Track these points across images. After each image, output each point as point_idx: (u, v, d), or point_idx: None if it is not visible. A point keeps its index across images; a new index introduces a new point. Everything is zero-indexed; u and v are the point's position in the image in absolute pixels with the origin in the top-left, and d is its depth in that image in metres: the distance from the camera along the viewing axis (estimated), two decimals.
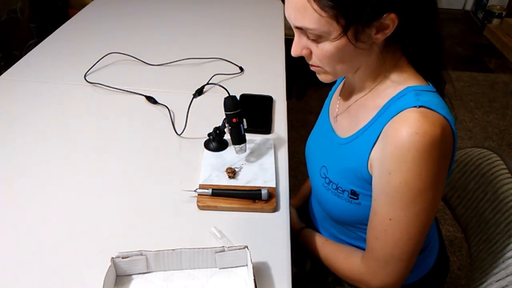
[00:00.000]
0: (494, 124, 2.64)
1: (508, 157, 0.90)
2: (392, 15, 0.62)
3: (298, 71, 2.55)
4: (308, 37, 0.67)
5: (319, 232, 0.97)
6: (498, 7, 3.87)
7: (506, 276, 0.78)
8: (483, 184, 0.92)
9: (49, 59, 1.42)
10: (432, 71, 0.74)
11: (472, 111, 2.76)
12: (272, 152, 1.02)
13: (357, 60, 0.71)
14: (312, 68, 0.74)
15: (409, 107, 0.66)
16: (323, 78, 0.75)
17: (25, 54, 1.43)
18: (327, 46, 0.66)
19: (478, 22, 4.11)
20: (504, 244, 0.82)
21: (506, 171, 0.88)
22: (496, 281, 0.80)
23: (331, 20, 0.62)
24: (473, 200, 0.95)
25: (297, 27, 0.67)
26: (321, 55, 0.68)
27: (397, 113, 0.67)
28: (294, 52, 0.70)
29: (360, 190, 0.76)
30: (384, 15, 0.62)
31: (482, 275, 0.85)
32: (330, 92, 0.95)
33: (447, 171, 0.69)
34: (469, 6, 4.39)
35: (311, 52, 0.70)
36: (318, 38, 0.66)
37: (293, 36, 0.70)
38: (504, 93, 2.98)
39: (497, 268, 0.81)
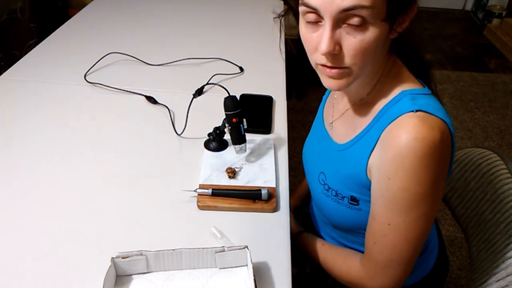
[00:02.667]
0: (494, 124, 2.64)
1: (508, 157, 0.90)
2: (415, 7, 0.62)
3: (298, 71, 2.55)
4: (349, 26, 0.60)
5: (319, 235, 0.97)
6: (498, 7, 3.87)
7: (506, 276, 0.78)
8: (483, 184, 0.92)
9: (49, 59, 1.42)
10: (424, 72, 0.74)
11: (472, 111, 2.76)
12: (272, 152, 1.02)
13: (377, 58, 0.67)
14: (331, 73, 0.66)
15: (406, 112, 0.65)
16: (339, 83, 0.68)
17: (25, 54, 1.43)
18: (369, 35, 0.60)
19: (478, 22, 4.10)
20: (504, 244, 0.82)
21: (506, 171, 0.88)
22: (496, 281, 0.80)
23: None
24: (473, 200, 0.95)
25: (342, 11, 0.59)
26: (359, 47, 0.62)
27: (395, 118, 0.66)
28: (328, 48, 0.61)
29: (360, 196, 0.76)
30: (414, 4, 0.62)
31: (482, 275, 0.85)
32: (323, 98, 0.95)
33: (446, 175, 0.69)
34: (469, 6, 4.39)
35: (340, 49, 0.63)
36: (362, 24, 0.60)
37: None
38: (504, 93, 2.98)
39: (497, 268, 0.81)
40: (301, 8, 0.63)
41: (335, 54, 0.63)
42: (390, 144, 0.66)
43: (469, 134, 2.54)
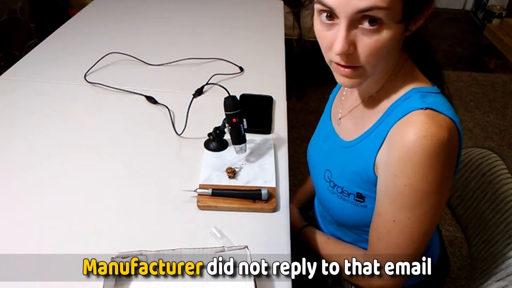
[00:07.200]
0: (494, 124, 2.64)
1: (508, 157, 0.90)
2: (432, 5, 0.62)
3: (298, 71, 2.55)
4: (364, 27, 0.60)
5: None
6: (498, 7, 3.87)
7: (506, 276, 0.78)
8: (483, 184, 0.92)
9: (49, 59, 1.41)
10: (435, 71, 0.74)
11: (472, 111, 2.76)
12: (272, 152, 1.02)
13: (390, 56, 0.68)
14: (345, 72, 0.66)
15: (415, 109, 0.66)
16: (352, 82, 0.68)
17: (25, 54, 1.43)
18: (384, 35, 0.60)
19: (478, 22, 4.10)
20: (504, 244, 0.82)
21: (506, 171, 0.88)
22: (496, 281, 0.79)
23: (399, 0, 0.58)
24: (473, 200, 0.95)
25: (358, 12, 0.59)
26: (373, 47, 0.62)
27: (403, 116, 0.67)
28: (343, 48, 0.61)
29: (366, 193, 0.76)
30: (431, 3, 0.61)
31: (482, 275, 0.85)
32: (331, 96, 0.94)
33: (453, 173, 0.69)
34: (469, 6, 4.39)
35: (355, 48, 0.63)
36: (377, 25, 0.60)
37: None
38: (504, 93, 2.98)
39: (497, 268, 0.81)
40: (317, 6, 0.63)
41: (349, 54, 0.63)
42: (398, 141, 0.66)
43: (469, 134, 2.54)
